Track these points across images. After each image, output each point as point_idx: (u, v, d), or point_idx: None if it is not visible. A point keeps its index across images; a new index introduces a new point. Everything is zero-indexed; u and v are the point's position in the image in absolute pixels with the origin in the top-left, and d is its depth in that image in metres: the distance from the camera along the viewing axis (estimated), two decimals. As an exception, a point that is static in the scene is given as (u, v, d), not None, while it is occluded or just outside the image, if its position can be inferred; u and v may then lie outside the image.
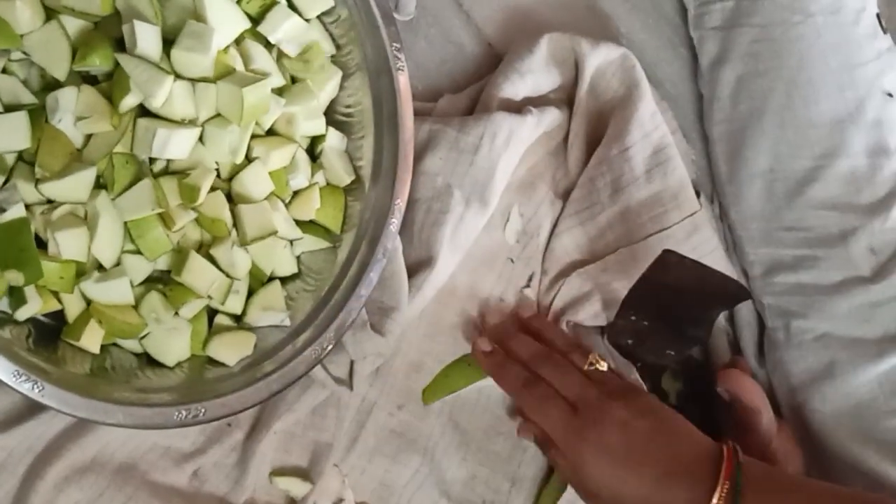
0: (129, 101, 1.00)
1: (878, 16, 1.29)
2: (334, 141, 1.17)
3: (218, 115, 1.05)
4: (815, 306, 1.26)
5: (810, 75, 1.26)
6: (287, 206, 1.14)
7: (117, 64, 1.00)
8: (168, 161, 1.05)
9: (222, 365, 1.09)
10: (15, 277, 0.97)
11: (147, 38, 1.00)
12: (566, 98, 1.35)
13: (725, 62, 1.33)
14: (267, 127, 1.12)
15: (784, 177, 1.29)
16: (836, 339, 1.26)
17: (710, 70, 1.37)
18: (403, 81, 1.14)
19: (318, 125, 1.16)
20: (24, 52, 1.00)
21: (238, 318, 1.13)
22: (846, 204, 1.26)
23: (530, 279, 1.31)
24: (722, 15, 1.33)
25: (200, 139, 1.05)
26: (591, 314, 1.29)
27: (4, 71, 1.00)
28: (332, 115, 1.18)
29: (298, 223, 1.14)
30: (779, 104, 1.28)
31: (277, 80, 1.11)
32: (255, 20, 1.10)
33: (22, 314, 1.00)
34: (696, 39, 1.40)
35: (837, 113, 1.26)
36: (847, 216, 1.26)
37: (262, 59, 1.10)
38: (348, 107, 1.18)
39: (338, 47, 1.17)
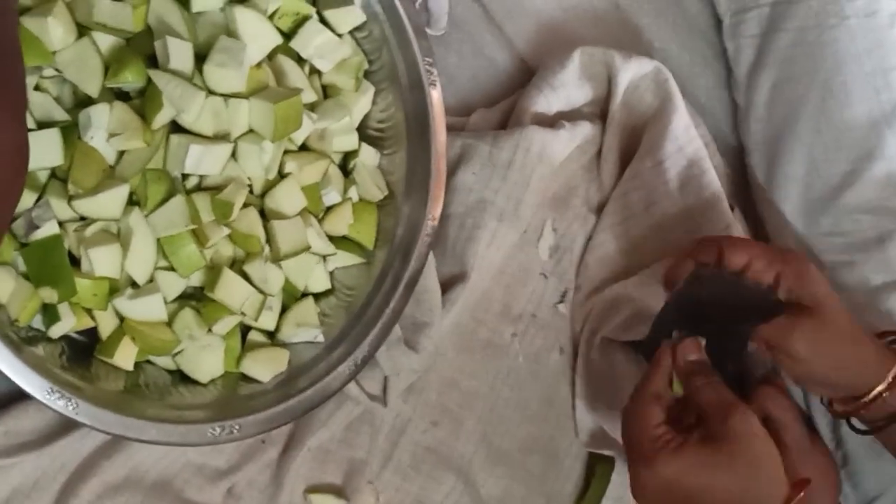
0: (161, 118, 1.00)
1: None
2: (367, 156, 1.17)
3: (250, 130, 1.05)
4: (856, 311, 1.25)
5: (845, 78, 1.26)
6: (320, 221, 1.13)
7: (149, 80, 1.00)
8: (201, 177, 1.05)
9: (256, 381, 1.09)
10: (49, 295, 0.97)
11: (179, 54, 1.00)
12: (599, 112, 1.35)
13: (762, 69, 1.33)
14: (300, 142, 1.12)
15: (821, 181, 1.28)
16: None
17: (746, 78, 1.36)
18: (436, 96, 1.14)
19: (350, 140, 1.15)
20: (57, 69, 1.00)
21: (271, 335, 1.13)
22: (883, 207, 1.25)
23: (564, 295, 1.31)
24: (758, 22, 1.33)
25: (233, 155, 1.05)
26: (626, 329, 1.28)
27: (37, 88, 1.00)
28: (364, 131, 1.18)
29: (331, 239, 1.14)
30: (814, 108, 1.27)
31: (310, 96, 1.11)
32: (288, 36, 1.10)
33: (56, 331, 1.00)
34: (731, 50, 1.39)
35: (873, 116, 1.25)
36: (884, 220, 1.25)
37: (294, 74, 1.09)
38: (381, 122, 1.18)
39: (370, 62, 1.17)
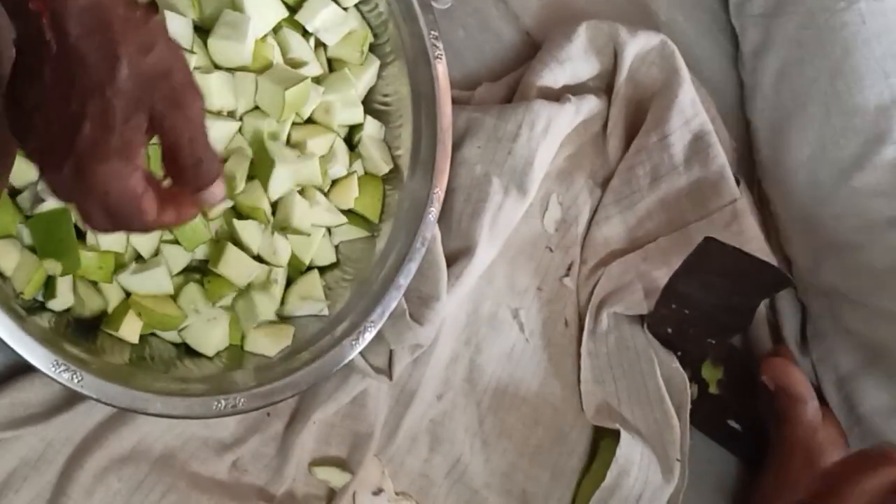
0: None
1: None
2: (372, 130, 1.17)
3: (256, 106, 1.05)
4: (863, 294, 1.25)
5: (855, 62, 1.25)
6: (326, 195, 1.13)
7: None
8: (206, 150, 1.05)
9: (261, 355, 1.09)
10: (53, 267, 0.97)
11: (178, 29, 1.00)
12: (605, 86, 1.34)
13: (769, 50, 1.32)
14: (305, 116, 1.12)
15: (829, 164, 1.28)
16: (884, 327, 1.24)
17: (752, 58, 1.36)
18: (441, 70, 1.14)
19: (356, 114, 1.15)
20: (61, 43, 1.00)
21: (277, 308, 1.13)
22: (893, 191, 1.24)
23: (569, 268, 1.31)
24: (764, 2, 1.32)
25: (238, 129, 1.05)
26: (632, 303, 1.29)
27: (42, 61, 1.00)
28: (370, 104, 1.18)
29: (336, 212, 1.14)
30: (823, 92, 1.27)
31: (315, 70, 1.11)
32: (293, 9, 1.10)
33: (53, 306, 1.00)
34: (737, 27, 1.39)
35: (882, 100, 1.25)
36: (894, 203, 1.24)
37: (299, 48, 1.09)
38: (386, 95, 1.18)
39: (375, 36, 1.16)
